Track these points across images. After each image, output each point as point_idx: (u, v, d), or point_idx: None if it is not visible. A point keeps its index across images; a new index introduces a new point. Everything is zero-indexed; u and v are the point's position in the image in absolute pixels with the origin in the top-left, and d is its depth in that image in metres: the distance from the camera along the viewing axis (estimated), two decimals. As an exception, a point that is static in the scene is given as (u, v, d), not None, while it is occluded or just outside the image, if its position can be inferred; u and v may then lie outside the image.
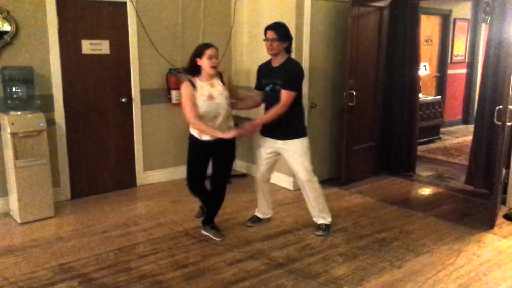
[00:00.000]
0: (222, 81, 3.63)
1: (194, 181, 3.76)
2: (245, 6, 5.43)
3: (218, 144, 3.53)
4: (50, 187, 4.22)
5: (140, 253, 3.54)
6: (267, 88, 3.71)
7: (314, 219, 4.00)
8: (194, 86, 3.49)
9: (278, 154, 3.88)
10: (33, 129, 4.03)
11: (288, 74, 3.61)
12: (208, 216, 3.88)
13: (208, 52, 3.45)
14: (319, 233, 3.90)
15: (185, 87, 3.48)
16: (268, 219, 4.20)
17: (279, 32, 3.60)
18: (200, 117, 3.46)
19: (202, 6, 5.26)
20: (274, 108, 3.62)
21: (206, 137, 3.55)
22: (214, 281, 3.14)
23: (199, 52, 3.49)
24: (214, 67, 3.48)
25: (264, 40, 3.65)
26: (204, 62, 3.46)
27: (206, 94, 3.48)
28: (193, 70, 3.54)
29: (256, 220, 4.14)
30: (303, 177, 3.80)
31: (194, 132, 3.61)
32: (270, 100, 3.71)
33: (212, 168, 3.74)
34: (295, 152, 3.76)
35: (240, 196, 4.85)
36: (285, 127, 3.72)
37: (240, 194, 4.93)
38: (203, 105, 3.46)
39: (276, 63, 3.69)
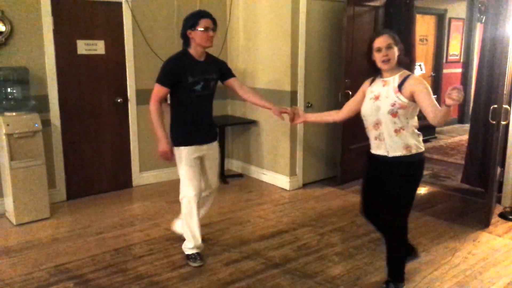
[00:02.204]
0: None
1: (369, 208, 3.07)
2: (240, 6, 5.43)
3: (387, 161, 2.81)
4: (46, 188, 4.20)
5: (136, 254, 3.54)
6: (197, 87, 3.19)
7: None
8: (373, 81, 2.89)
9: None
10: (28, 129, 4.01)
11: (225, 64, 3.42)
12: (389, 271, 2.99)
13: (376, 44, 2.76)
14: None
15: (365, 82, 2.98)
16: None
17: (216, 22, 3.25)
18: (365, 121, 2.88)
19: (198, 5, 5.25)
20: (254, 93, 3.46)
21: (374, 150, 2.90)
22: (211, 281, 3.14)
23: (369, 46, 2.81)
24: (386, 61, 2.72)
25: (203, 30, 3.15)
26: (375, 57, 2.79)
27: (375, 92, 2.81)
28: (372, 68, 2.87)
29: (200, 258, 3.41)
30: (217, 183, 3.57)
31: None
32: (202, 99, 3.25)
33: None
34: (216, 157, 3.47)
35: (237, 196, 4.85)
36: (212, 127, 3.39)
37: (236, 194, 4.93)
38: (365, 104, 2.84)
39: (202, 57, 3.24)
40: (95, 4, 4.63)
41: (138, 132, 5.09)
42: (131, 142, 5.07)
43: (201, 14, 3.21)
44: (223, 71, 3.39)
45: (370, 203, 3.02)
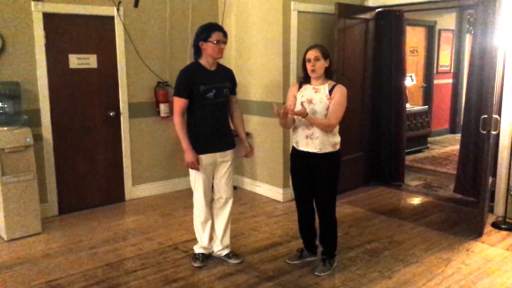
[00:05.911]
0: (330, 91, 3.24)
1: (302, 203, 3.51)
2: (232, 20, 5.47)
3: (316, 156, 3.26)
4: (38, 203, 4.17)
5: (129, 268, 3.51)
6: (210, 94, 3.31)
7: (225, 248, 3.62)
8: (300, 86, 3.36)
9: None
10: (20, 144, 3.99)
11: (234, 77, 3.55)
12: (326, 249, 3.50)
13: (307, 55, 3.26)
14: (239, 260, 3.61)
15: (291, 86, 3.51)
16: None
17: (227, 35, 3.39)
18: (298, 121, 3.29)
19: (190, 19, 5.29)
20: (239, 116, 3.61)
21: (302, 147, 3.30)
22: (204, 295, 3.12)
23: (304, 56, 3.29)
24: (313, 71, 3.22)
25: (215, 43, 3.27)
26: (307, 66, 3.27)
27: (307, 96, 3.27)
28: (305, 76, 3.33)
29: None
30: (231, 193, 3.61)
31: (294, 142, 3.40)
32: (215, 107, 3.38)
33: (314, 190, 3.43)
34: (231, 165, 3.54)
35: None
36: (227, 135, 3.50)
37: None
38: (299, 106, 3.25)
39: (212, 66, 3.38)
40: (87, 18, 4.64)
41: (130, 146, 5.07)
42: (123, 156, 5.05)
43: (213, 28, 3.33)
44: (230, 84, 3.51)
45: (304, 195, 3.48)
